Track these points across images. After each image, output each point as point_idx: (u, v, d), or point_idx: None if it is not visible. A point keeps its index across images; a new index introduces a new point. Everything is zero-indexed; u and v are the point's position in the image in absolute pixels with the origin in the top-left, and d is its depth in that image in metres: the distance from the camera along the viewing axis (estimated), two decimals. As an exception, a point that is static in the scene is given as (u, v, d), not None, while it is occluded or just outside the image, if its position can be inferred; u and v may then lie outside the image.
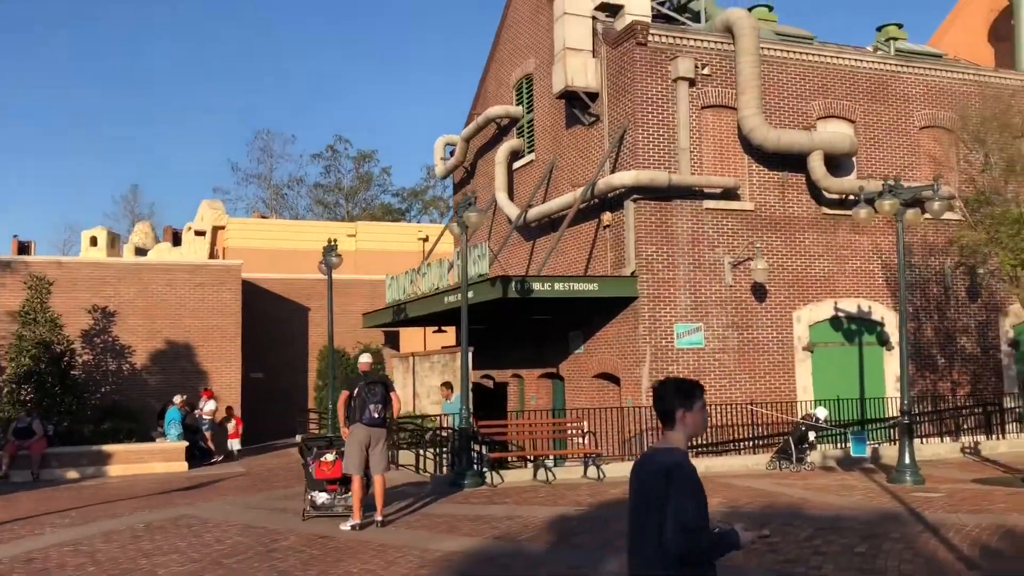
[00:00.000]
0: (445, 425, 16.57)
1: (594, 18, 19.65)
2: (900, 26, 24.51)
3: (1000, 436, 19.32)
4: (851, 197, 18.24)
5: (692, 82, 18.49)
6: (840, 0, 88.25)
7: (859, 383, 19.21)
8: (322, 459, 11.74)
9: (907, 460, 13.79)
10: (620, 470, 15.66)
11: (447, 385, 18.06)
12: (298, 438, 21.70)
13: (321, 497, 11.78)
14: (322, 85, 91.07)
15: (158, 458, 19.35)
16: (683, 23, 21.17)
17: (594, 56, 19.55)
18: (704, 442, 17.35)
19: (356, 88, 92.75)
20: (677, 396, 3.77)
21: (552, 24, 20.25)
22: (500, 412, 22.74)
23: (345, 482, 11.50)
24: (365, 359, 11.65)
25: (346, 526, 10.87)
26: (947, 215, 17.33)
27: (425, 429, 16.91)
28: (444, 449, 15.84)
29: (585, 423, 17.43)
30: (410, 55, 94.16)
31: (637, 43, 18.17)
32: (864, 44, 23.83)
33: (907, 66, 20.65)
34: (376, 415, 11.00)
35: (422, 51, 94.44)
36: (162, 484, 16.79)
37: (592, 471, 15.19)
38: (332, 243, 19.63)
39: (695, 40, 18.78)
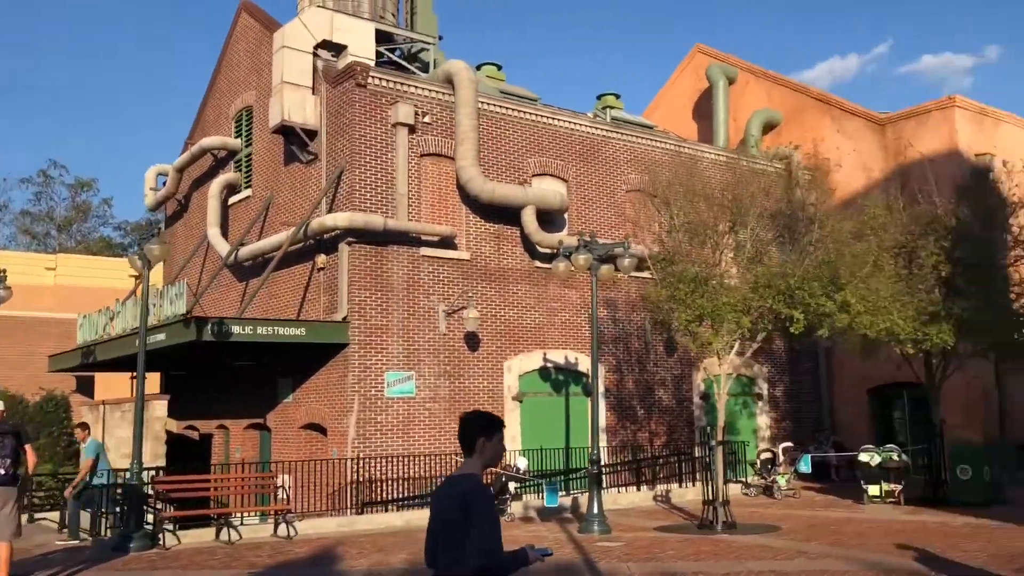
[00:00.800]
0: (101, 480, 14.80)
1: (316, 54, 19.11)
2: (617, 96, 26.14)
3: (691, 484, 20.48)
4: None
5: (412, 128, 18.40)
6: (572, 70, 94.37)
7: (565, 433, 19.69)
8: (-66, 524, 9.88)
9: (595, 510, 14.09)
10: (317, 527, 14.79)
11: (82, 426, 15.84)
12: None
13: (-68, 570, 9.90)
14: (39, 101, 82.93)
15: None
16: (413, 72, 21.17)
17: (314, 93, 18.97)
18: (410, 494, 16.89)
19: (78, 110, 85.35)
20: (479, 427, 4.12)
21: (273, 57, 19.46)
22: (205, 465, 21.05)
23: (-36, 551, 9.73)
24: (-6, 406, 10.05)
25: (-43, 604, 9.17)
26: (646, 273, 18.38)
27: (96, 486, 15.00)
28: (104, 510, 14.20)
29: (286, 477, 16.41)
30: (137, 77, 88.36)
31: (357, 84, 17.82)
32: (587, 110, 25.16)
33: (618, 133, 21.89)
34: (3, 472, 9.45)
35: (150, 73, 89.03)
36: None
37: (283, 529, 14.17)
38: (1, 274, 17.24)
39: (417, 87, 18.75)
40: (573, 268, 15.00)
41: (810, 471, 19.13)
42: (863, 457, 17.76)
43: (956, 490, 17.22)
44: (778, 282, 13.94)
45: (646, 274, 18.52)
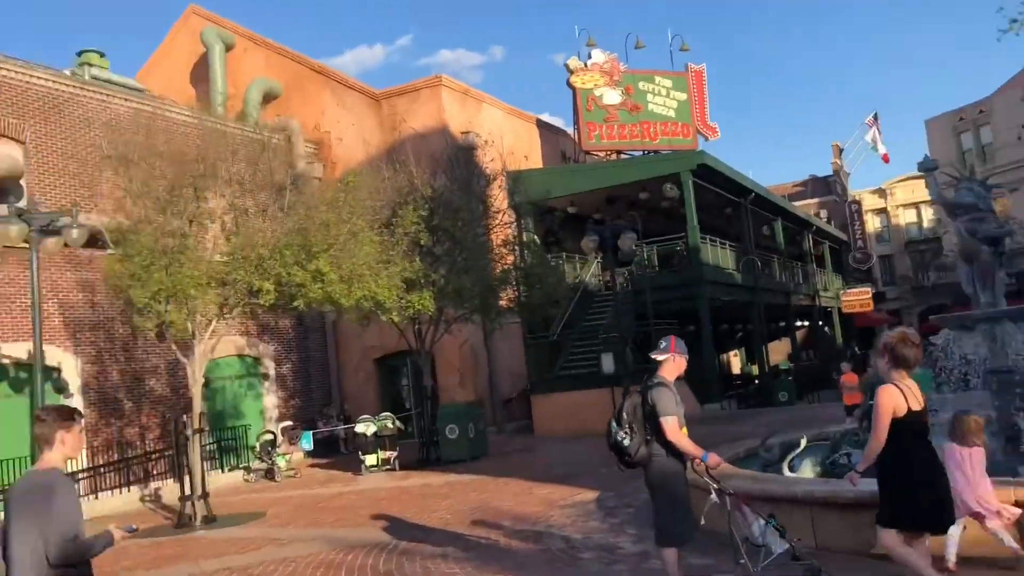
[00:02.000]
0: None
1: None
2: (102, 55, 23.38)
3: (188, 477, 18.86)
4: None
5: None
6: (62, 26, 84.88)
7: (31, 437, 16.81)
8: None
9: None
10: None
11: None
12: None
13: None
14: None
15: None
16: None
17: None
18: None
19: None
20: (57, 420, 4.16)
21: None
22: None
23: None
24: None
25: None
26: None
27: None
28: None
29: None
30: None
31: None
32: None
33: (88, 91, 19.22)
34: None
35: None
36: None
37: None
38: None
39: None
40: (8, 243, 12.50)
41: (312, 448, 18.72)
42: (359, 428, 17.75)
43: (446, 450, 17.95)
44: (249, 252, 12.97)
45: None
